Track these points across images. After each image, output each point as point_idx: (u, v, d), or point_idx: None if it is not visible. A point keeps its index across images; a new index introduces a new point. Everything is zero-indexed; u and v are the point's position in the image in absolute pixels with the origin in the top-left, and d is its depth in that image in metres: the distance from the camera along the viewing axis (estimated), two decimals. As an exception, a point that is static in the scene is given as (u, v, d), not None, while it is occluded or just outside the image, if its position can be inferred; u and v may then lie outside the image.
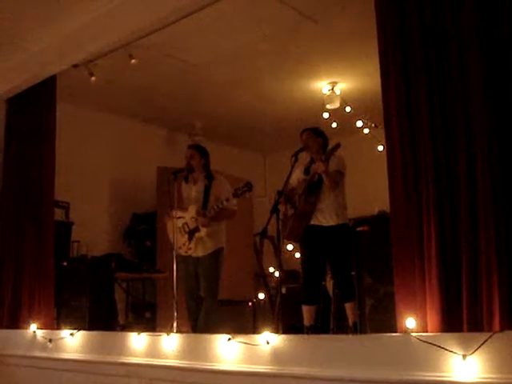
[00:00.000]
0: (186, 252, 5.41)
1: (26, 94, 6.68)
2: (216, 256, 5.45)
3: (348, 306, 4.97)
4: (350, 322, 4.93)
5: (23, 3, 5.58)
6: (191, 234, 5.42)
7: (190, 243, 5.42)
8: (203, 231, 5.39)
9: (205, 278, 5.42)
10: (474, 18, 3.45)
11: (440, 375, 2.99)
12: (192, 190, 5.60)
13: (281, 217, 4.82)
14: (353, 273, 4.87)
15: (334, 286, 5.71)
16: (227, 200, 5.30)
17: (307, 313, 5.06)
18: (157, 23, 5.43)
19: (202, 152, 5.65)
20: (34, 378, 5.54)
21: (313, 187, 5.08)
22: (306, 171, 5.24)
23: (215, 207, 5.36)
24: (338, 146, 5.02)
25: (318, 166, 4.98)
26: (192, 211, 5.48)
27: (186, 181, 5.65)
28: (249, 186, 5.20)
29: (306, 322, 5.04)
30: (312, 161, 5.21)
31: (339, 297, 5.36)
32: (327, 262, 5.12)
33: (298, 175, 5.25)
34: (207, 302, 5.38)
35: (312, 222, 5.07)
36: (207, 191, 5.53)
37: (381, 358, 3.26)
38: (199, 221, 5.40)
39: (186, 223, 5.47)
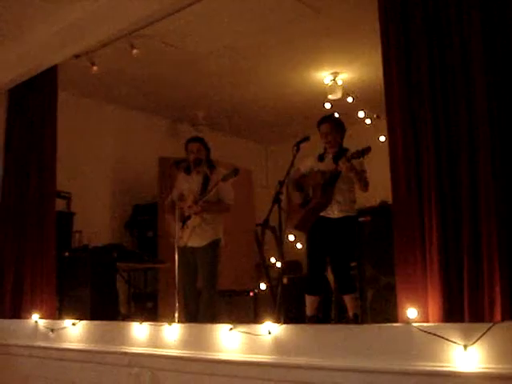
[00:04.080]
0: (178, 241, 5.42)
1: (27, 85, 6.66)
2: (213, 247, 5.49)
3: (347, 299, 4.97)
4: (351, 313, 4.93)
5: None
6: (184, 222, 5.45)
7: (182, 232, 5.44)
8: (196, 220, 5.42)
9: (203, 270, 5.45)
10: (478, 9, 3.44)
11: (441, 365, 3.00)
12: (194, 182, 5.63)
13: (283, 206, 4.81)
14: (354, 263, 4.88)
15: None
16: (216, 185, 5.38)
17: (310, 303, 5.06)
18: (159, 13, 5.41)
19: (205, 145, 5.72)
20: (36, 368, 5.56)
21: (330, 182, 5.08)
22: (320, 158, 5.24)
23: (205, 194, 5.44)
24: (367, 150, 4.83)
25: (347, 170, 4.92)
26: (189, 201, 5.52)
27: (188, 173, 5.66)
28: (235, 172, 5.31)
29: (308, 311, 5.04)
30: (325, 150, 5.22)
31: (337, 289, 5.36)
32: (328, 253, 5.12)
33: (311, 162, 5.24)
34: (206, 295, 5.40)
35: (321, 214, 5.09)
36: (206, 181, 5.57)
37: (382, 348, 3.27)
38: (192, 208, 5.44)
39: (183, 212, 5.51)
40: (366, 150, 4.83)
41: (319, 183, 5.10)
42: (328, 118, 5.33)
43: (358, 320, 4.73)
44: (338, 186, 5.04)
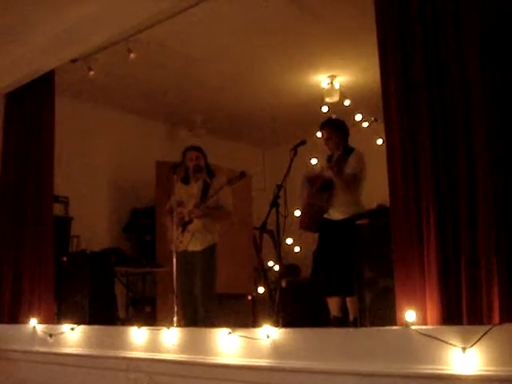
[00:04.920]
0: (178, 246, 5.42)
1: (24, 89, 6.66)
2: (211, 252, 5.53)
3: (349, 301, 4.98)
4: (351, 316, 4.92)
5: (21, -2, 5.57)
6: (184, 226, 5.46)
7: (182, 236, 5.45)
8: (197, 224, 5.43)
9: (202, 274, 5.46)
10: (475, 11, 3.44)
11: (440, 368, 2.99)
12: (193, 188, 5.67)
13: (301, 206, 4.87)
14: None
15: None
16: (221, 188, 5.40)
17: (331, 304, 5.10)
18: (156, 17, 5.41)
19: (203, 152, 5.76)
20: (34, 373, 5.55)
21: (327, 186, 5.13)
22: (329, 159, 5.32)
23: (208, 198, 5.45)
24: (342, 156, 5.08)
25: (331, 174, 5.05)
26: (190, 206, 5.53)
27: (187, 182, 5.69)
28: (242, 175, 5.32)
29: (332, 312, 5.08)
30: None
31: (339, 291, 5.35)
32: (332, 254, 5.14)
33: (321, 163, 5.35)
34: (204, 299, 5.42)
35: (325, 216, 5.14)
36: (206, 187, 5.59)
37: (381, 351, 3.26)
38: (193, 212, 5.45)
39: (183, 217, 5.52)
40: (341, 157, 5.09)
41: (318, 187, 5.15)
42: (325, 123, 5.36)
43: (357, 324, 4.73)
44: (338, 188, 5.07)
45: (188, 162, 5.65)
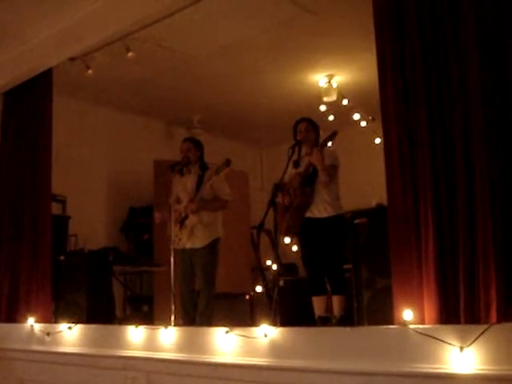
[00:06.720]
0: (177, 243, 5.40)
1: (22, 88, 6.65)
2: (212, 247, 5.49)
3: (335, 299, 4.96)
4: (337, 315, 4.91)
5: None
6: (181, 222, 5.45)
7: (180, 233, 5.43)
8: (192, 219, 5.42)
9: (201, 271, 5.44)
10: (473, 11, 3.44)
11: (437, 367, 2.99)
12: (187, 182, 5.64)
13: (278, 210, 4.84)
14: (350, 265, 4.86)
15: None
16: (210, 178, 5.38)
17: (316, 303, 5.07)
18: (154, 16, 5.42)
19: (197, 144, 5.73)
20: (31, 372, 5.55)
21: (308, 179, 5.09)
22: (296, 164, 5.24)
23: (200, 190, 5.42)
24: (334, 133, 5.03)
25: (316, 158, 4.97)
26: (185, 201, 5.52)
27: (181, 174, 5.68)
28: (227, 162, 5.27)
29: (317, 311, 5.06)
30: (300, 151, 5.22)
31: (329, 290, 5.34)
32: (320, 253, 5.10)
33: (290, 170, 5.25)
34: (204, 296, 5.40)
35: (307, 215, 5.08)
36: (200, 181, 5.56)
37: (378, 350, 3.26)
38: (188, 207, 5.43)
39: (180, 214, 5.50)
40: (332, 135, 5.02)
41: (298, 184, 5.13)
42: (304, 118, 5.36)
43: (342, 322, 4.72)
44: (319, 185, 5.05)
45: (181, 155, 5.64)
